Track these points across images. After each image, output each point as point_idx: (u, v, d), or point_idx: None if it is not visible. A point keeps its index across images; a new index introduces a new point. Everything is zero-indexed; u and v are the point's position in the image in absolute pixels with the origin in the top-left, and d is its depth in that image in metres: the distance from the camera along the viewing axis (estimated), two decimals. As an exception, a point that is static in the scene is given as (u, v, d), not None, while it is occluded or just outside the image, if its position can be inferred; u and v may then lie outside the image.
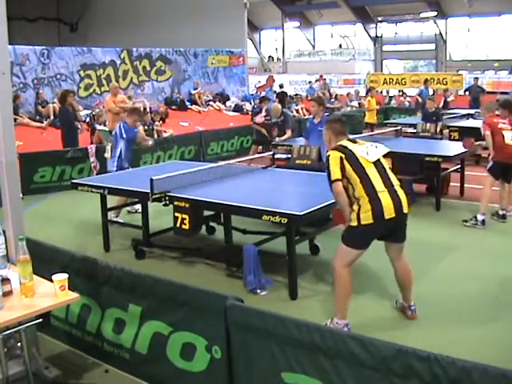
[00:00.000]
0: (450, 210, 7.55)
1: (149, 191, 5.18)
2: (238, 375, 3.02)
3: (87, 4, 23.06)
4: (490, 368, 2.24)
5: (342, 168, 3.94)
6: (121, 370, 3.59)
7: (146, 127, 11.94)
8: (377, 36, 35.71)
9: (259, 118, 10.33)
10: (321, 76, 24.13)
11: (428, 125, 10.19)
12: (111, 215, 6.64)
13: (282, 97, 18.02)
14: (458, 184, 8.38)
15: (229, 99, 18.85)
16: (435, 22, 32.87)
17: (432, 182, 8.00)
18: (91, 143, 10.47)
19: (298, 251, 4.87)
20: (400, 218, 4.09)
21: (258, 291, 4.83)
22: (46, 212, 8.09)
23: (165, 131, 13.07)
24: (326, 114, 7.69)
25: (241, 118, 16.37)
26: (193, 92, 17.92)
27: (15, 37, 12.19)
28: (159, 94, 17.66)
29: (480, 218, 6.66)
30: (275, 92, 20.06)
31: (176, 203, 5.13)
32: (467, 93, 18.58)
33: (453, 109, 16.19)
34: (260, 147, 10.28)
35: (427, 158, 7.57)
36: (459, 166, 8.36)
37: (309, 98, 18.52)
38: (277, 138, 9.41)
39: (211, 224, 6.35)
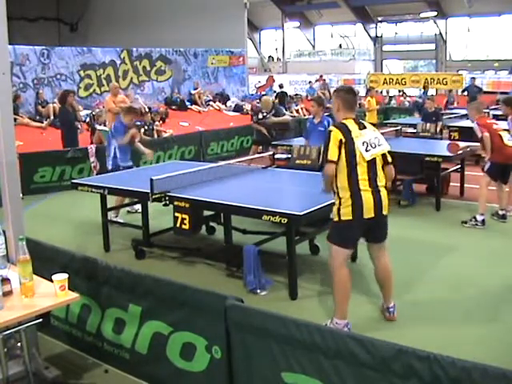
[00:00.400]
0: (449, 209, 7.56)
1: (149, 191, 5.18)
2: (238, 375, 3.02)
3: (87, 4, 23.06)
4: (490, 368, 2.24)
5: (340, 152, 3.86)
6: (121, 370, 3.59)
7: (146, 127, 11.96)
8: (377, 36, 35.70)
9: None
10: (321, 76, 24.13)
11: (428, 125, 10.19)
12: (111, 215, 6.64)
13: (282, 97, 18.08)
14: (458, 184, 8.39)
15: (229, 99, 18.85)
16: (435, 22, 32.87)
17: (432, 182, 8.01)
18: (91, 143, 10.47)
19: (298, 251, 4.87)
20: (379, 219, 4.00)
21: (258, 291, 4.83)
22: (46, 212, 8.09)
23: (165, 131, 13.07)
24: (326, 114, 7.68)
25: (241, 117, 16.38)
26: (193, 92, 17.93)
27: (15, 37, 12.18)
28: (159, 93, 17.67)
29: (479, 218, 6.66)
30: (275, 92, 20.08)
31: (176, 203, 5.13)
32: (465, 93, 18.58)
33: (451, 109, 16.20)
34: (260, 147, 10.27)
35: (427, 158, 7.58)
36: (459, 165, 8.36)
37: (309, 98, 18.52)
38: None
39: (211, 224, 6.35)
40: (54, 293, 2.96)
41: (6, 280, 2.95)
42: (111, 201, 6.40)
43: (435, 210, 7.54)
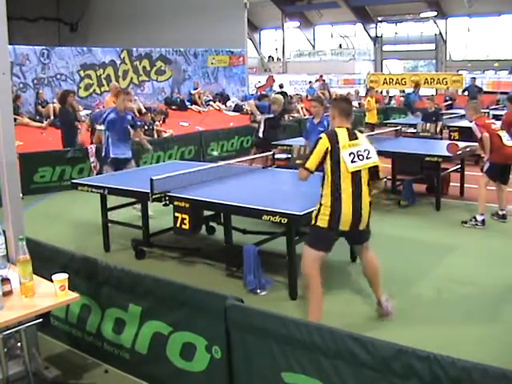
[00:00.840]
0: (449, 209, 7.56)
1: (149, 191, 5.18)
2: (238, 375, 3.02)
3: (87, 4, 23.05)
4: (490, 368, 2.24)
5: (322, 161, 3.92)
6: (121, 370, 3.59)
7: (146, 127, 11.96)
8: (377, 36, 35.69)
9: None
10: (320, 76, 24.13)
11: (428, 125, 10.19)
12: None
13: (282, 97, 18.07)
14: (458, 184, 8.39)
15: (229, 99, 18.85)
16: (435, 22, 32.86)
17: (432, 182, 8.01)
18: (91, 143, 10.46)
19: (298, 251, 4.87)
20: (355, 232, 4.03)
21: (258, 291, 4.83)
22: (46, 212, 8.09)
23: (165, 131, 13.07)
24: (326, 114, 7.67)
25: (241, 117, 16.37)
26: (193, 92, 17.93)
27: (15, 37, 12.19)
28: (159, 93, 17.66)
29: (479, 218, 6.65)
30: (275, 92, 20.08)
31: (176, 203, 5.13)
32: (466, 92, 18.56)
33: (453, 109, 16.18)
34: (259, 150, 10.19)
35: (427, 158, 7.58)
36: (459, 165, 8.36)
37: (309, 98, 18.51)
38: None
39: (211, 224, 6.35)
40: (54, 293, 2.96)
41: (6, 280, 2.95)
42: (111, 201, 6.39)
43: (435, 209, 7.54)
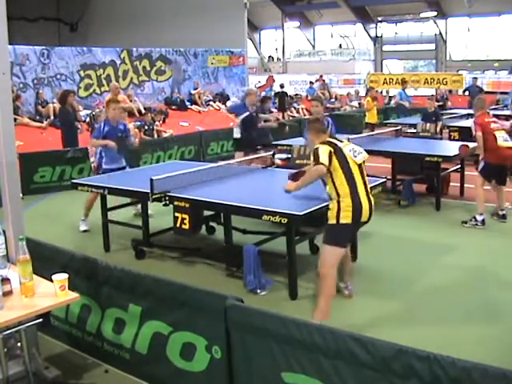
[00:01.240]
0: (449, 209, 7.56)
1: (149, 191, 5.18)
2: (238, 375, 3.02)
3: (87, 4, 23.05)
4: (490, 368, 2.24)
5: (330, 160, 4.05)
6: (121, 370, 3.59)
7: (146, 127, 11.96)
8: (377, 36, 35.70)
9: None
10: (320, 76, 24.14)
11: (428, 125, 10.19)
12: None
13: (282, 97, 18.08)
14: (458, 184, 8.39)
15: (229, 99, 18.84)
16: (435, 22, 32.87)
17: (432, 182, 8.01)
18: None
19: (298, 251, 4.87)
20: (366, 223, 4.27)
21: (258, 291, 4.83)
22: (46, 212, 8.09)
23: (165, 131, 13.08)
24: (326, 114, 7.67)
25: (241, 118, 16.34)
26: (193, 92, 17.93)
27: (15, 37, 12.19)
28: (159, 94, 17.66)
29: (479, 218, 6.65)
30: (275, 92, 20.09)
31: (176, 203, 5.13)
32: (467, 93, 18.56)
33: (446, 109, 16.17)
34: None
35: (427, 158, 7.58)
36: (459, 166, 8.36)
37: (309, 98, 18.52)
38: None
39: (211, 224, 6.35)
40: (54, 293, 2.96)
41: (6, 280, 2.95)
42: (111, 201, 6.39)
43: (435, 209, 7.54)
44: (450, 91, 20.37)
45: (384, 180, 5.74)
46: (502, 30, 30.49)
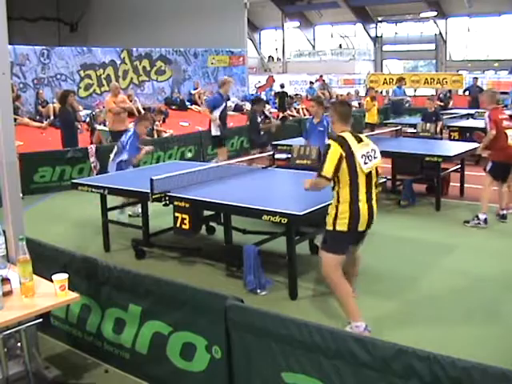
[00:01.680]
0: (449, 209, 7.55)
1: (149, 191, 5.18)
2: (238, 375, 3.02)
3: (87, 4, 23.06)
4: (490, 368, 2.24)
5: (337, 168, 3.87)
6: (121, 370, 3.59)
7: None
8: (377, 36, 35.71)
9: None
10: (320, 76, 24.14)
11: (428, 125, 10.19)
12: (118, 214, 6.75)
13: (283, 97, 18.09)
14: (458, 184, 8.38)
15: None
16: (435, 22, 32.88)
17: (432, 182, 8.01)
18: (91, 143, 10.47)
19: (298, 251, 4.87)
20: (367, 231, 4.13)
21: (258, 291, 4.83)
22: (46, 212, 8.09)
23: (165, 131, 13.08)
24: (326, 114, 7.68)
25: (241, 117, 16.37)
26: (193, 92, 17.95)
27: (15, 37, 12.20)
28: (159, 94, 17.68)
29: (482, 217, 6.63)
30: (275, 92, 20.10)
31: (176, 203, 5.13)
32: (467, 93, 18.54)
33: (448, 109, 16.15)
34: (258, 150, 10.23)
35: (427, 158, 7.57)
36: (459, 166, 8.36)
37: (309, 98, 18.52)
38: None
39: (211, 224, 6.35)
40: (54, 293, 2.96)
41: (6, 280, 2.95)
42: (111, 201, 6.39)
43: (435, 210, 7.54)
44: (450, 91, 20.34)
45: (384, 180, 5.74)
46: (502, 30, 30.50)
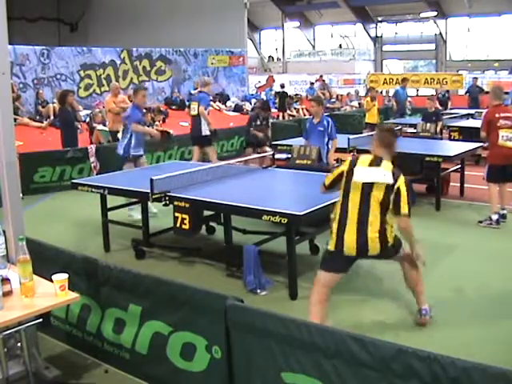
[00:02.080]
0: (449, 209, 7.55)
1: (149, 191, 5.18)
2: (237, 375, 3.02)
3: (87, 4, 23.06)
4: (489, 368, 2.24)
5: (336, 180, 3.95)
6: (121, 370, 3.59)
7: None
8: (377, 36, 35.73)
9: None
10: (320, 76, 24.14)
11: (428, 125, 10.19)
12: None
13: (283, 97, 18.08)
14: (458, 184, 8.38)
15: (229, 99, 18.86)
16: (435, 22, 32.89)
17: (432, 182, 8.00)
18: (91, 143, 10.47)
19: (298, 251, 4.87)
20: (364, 257, 3.88)
21: (258, 291, 4.82)
22: (46, 212, 8.09)
23: (165, 131, 13.06)
24: (326, 113, 7.69)
25: (241, 117, 16.37)
26: (193, 92, 17.92)
27: (15, 37, 12.18)
28: (159, 94, 17.68)
29: (494, 217, 6.61)
30: (275, 92, 20.09)
31: (176, 203, 5.13)
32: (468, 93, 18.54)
33: (447, 109, 16.13)
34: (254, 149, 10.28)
35: (427, 158, 7.57)
36: (459, 166, 8.36)
37: (309, 98, 18.53)
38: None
39: (211, 224, 6.34)
40: (54, 293, 2.96)
41: (6, 280, 2.95)
42: (111, 201, 6.39)
43: (435, 209, 7.53)
44: (448, 91, 20.32)
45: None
46: (502, 30, 30.52)
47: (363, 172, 3.81)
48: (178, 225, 5.11)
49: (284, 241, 4.78)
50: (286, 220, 4.42)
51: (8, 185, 3.38)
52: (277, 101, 18.57)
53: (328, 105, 17.58)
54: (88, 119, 13.13)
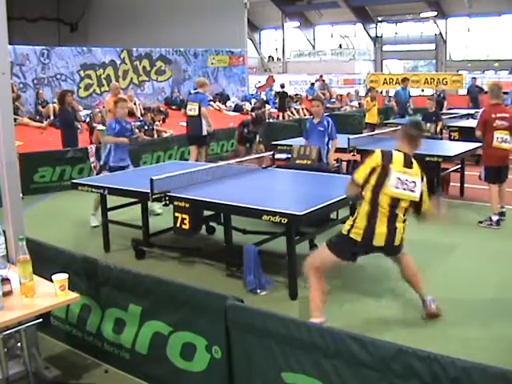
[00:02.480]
0: (449, 210, 7.51)
1: (149, 191, 5.18)
2: (237, 375, 3.02)
3: (87, 4, 23.05)
4: (489, 368, 2.24)
5: (369, 175, 3.82)
6: (121, 370, 3.59)
7: (146, 127, 11.96)
8: (377, 36, 35.74)
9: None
10: (320, 76, 24.14)
11: (428, 125, 10.19)
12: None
13: (283, 97, 18.08)
14: (458, 184, 8.38)
15: (229, 99, 18.84)
16: (435, 22, 32.90)
17: (432, 182, 8.00)
18: (91, 143, 10.47)
19: (298, 251, 4.87)
20: (389, 249, 4.05)
21: (258, 291, 4.83)
22: (46, 212, 8.09)
23: (165, 131, 13.07)
24: (326, 113, 7.68)
25: (241, 118, 16.35)
26: (193, 92, 17.92)
27: (15, 37, 12.18)
28: (159, 94, 17.67)
29: (494, 218, 6.61)
30: (275, 92, 20.09)
31: (176, 203, 5.13)
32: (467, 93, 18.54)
33: (440, 110, 16.07)
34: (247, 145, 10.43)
35: (427, 158, 7.56)
36: (459, 166, 8.35)
37: (309, 98, 18.52)
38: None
39: (211, 224, 6.34)
40: (54, 293, 2.96)
41: (6, 280, 2.95)
42: (111, 201, 6.39)
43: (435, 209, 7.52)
44: (443, 91, 20.26)
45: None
46: (502, 30, 30.53)
47: (399, 180, 3.83)
48: (177, 225, 5.11)
49: (284, 241, 4.78)
50: (286, 220, 4.42)
51: (8, 185, 3.38)
52: (277, 101, 18.57)
53: (328, 105, 17.58)
54: (88, 119, 13.12)
